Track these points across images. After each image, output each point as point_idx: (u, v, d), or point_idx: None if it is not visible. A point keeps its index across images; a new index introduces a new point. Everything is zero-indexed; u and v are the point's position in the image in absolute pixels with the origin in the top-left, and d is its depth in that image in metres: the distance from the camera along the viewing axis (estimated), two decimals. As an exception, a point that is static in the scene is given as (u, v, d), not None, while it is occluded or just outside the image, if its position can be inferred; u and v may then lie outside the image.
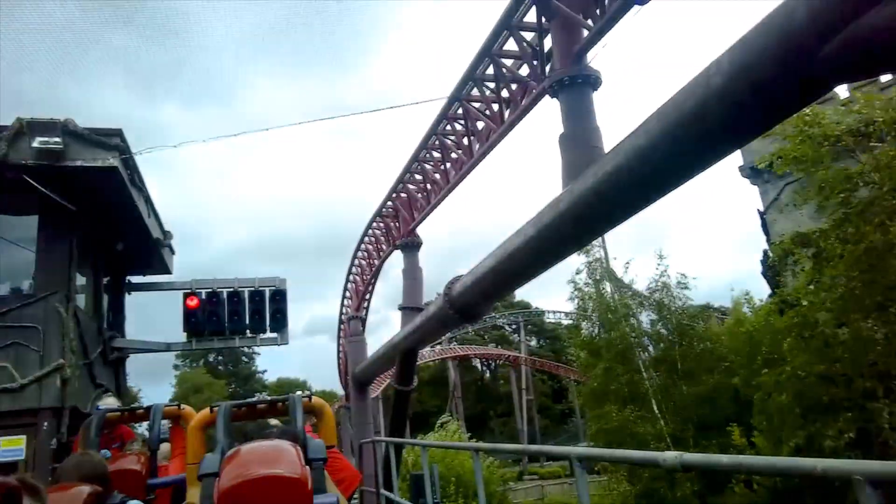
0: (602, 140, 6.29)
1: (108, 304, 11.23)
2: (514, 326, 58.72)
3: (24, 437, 7.96)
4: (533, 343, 60.64)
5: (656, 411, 18.32)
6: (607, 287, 21.71)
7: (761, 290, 20.44)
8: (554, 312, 53.98)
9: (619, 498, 19.81)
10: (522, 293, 62.85)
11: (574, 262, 22.07)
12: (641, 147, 4.41)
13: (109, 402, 5.88)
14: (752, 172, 20.11)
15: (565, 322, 50.07)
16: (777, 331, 13.88)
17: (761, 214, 20.41)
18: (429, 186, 12.58)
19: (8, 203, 8.65)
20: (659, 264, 20.98)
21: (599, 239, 20.87)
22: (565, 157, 6.35)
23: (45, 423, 8.10)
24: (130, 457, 3.74)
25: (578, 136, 6.30)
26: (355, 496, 5.57)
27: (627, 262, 21.91)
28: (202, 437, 3.37)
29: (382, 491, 9.58)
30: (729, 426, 15.30)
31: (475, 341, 56.77)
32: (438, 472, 8.78)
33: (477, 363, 61.57)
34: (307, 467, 1.39)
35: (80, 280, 9.55)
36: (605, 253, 22.24)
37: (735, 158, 20.47)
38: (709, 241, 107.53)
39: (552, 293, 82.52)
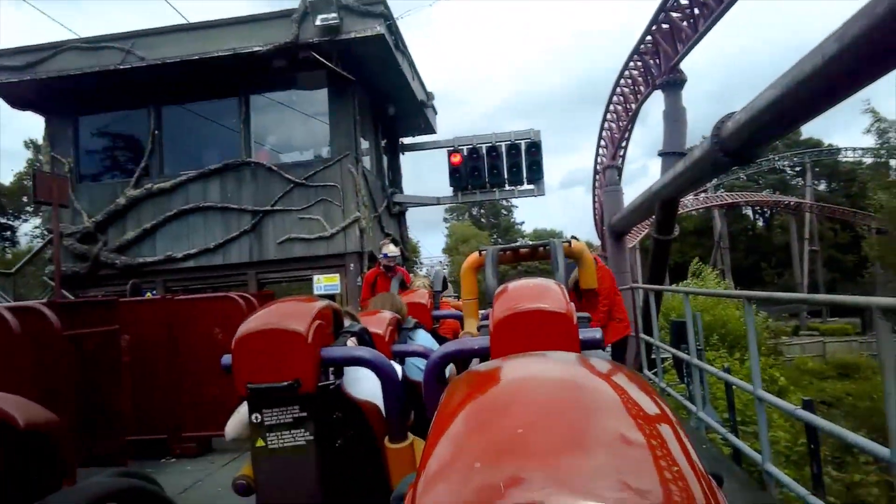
0: None
1: (387, 164, 12.71)
2: (797, 169, 50.86)
3: (337, 275, 9.87)
4: (821, 187, 52.07)
5: None
6: None
7: None
8: (853, 150, 44.80)
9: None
10: (810, 128, 53.22)
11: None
12: None
13: (391, 248, 6.79)
14: None
15: (868, 161, 41.67)
16: None
17: None
18: (696, 11, 10.94)
19: (303, 80, 10.03)
20: None
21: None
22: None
23: (351, 265, 9.87)
24: (420, 291, 4.34)
25: None
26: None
27: None
28: (473, 277, 3.74)
29: (642, 335, 9.68)
30: None
31: (747, 187, 50.95)
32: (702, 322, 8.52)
33: (748, 211, 55.69)
34: (571, 304, 1.44)
35: (364, 144, 10.90)
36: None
37: None
38: None
39: (851, 125, 65.65)
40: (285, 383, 1.52)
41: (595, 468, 0.62)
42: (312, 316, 1.61)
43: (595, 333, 1.57)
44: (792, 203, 45.30)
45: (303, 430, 1.56)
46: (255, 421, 1.57)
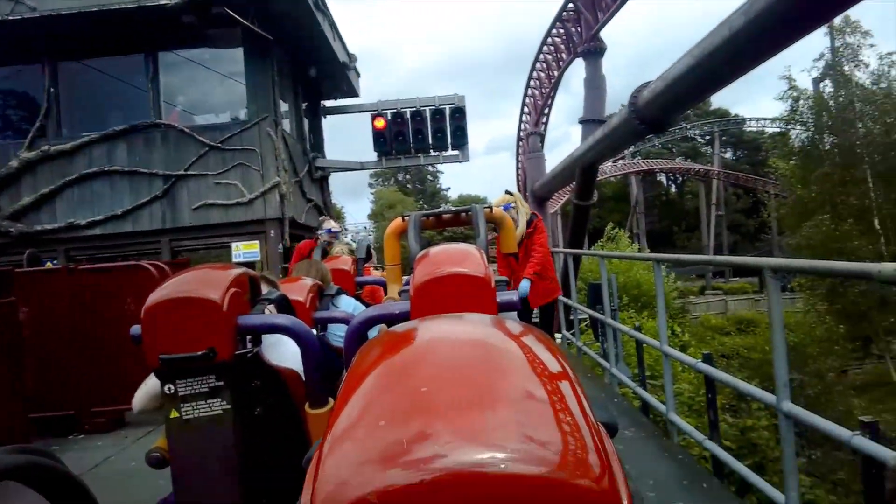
0: None
1: (308, 127, 12.34)
2: (707, 137, 53.68)
3: (257, 241, 9.59)
4: (728, 155, 55.32)
5: (878, 227, 16.28)
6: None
7: None
8: (757, 120, 47.82)
9: (815, 317, 18.77)
10: (719, 99, 56.06)
11: (787, 56, 19.10)
12: None
13: (332, 224, 6.69)
14: None
15: (770, 130, 44.58)
16: None
17: None
18: (614, -20, 11.15)
19: (217, 38, 9.46)
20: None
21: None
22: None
23: (272, 231, 9.61)
24: (342, 258, 4.30)
25: None
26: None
27: (890, 55, 18.33)
28: (396, 243, 3.74)
29: (561, 297, 10.07)
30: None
31: (662, 155, 53.32)
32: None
33: (662, 178, 58.44)
34: (490, 268, 1.47)
35: (284, 107, 10.50)
36: (831, 42, 18.73)
37: None
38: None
39: (757, 97, 69.78)
40: (200, 353, 1.47)
41: (498, 423, 0.64)
42: (228, 284, 1.57)
43: (512, 296, 1.62)
44: (701, 170, 47.91)
45: (219, 400, 1.52)
46: (168, 392, 1.51)
